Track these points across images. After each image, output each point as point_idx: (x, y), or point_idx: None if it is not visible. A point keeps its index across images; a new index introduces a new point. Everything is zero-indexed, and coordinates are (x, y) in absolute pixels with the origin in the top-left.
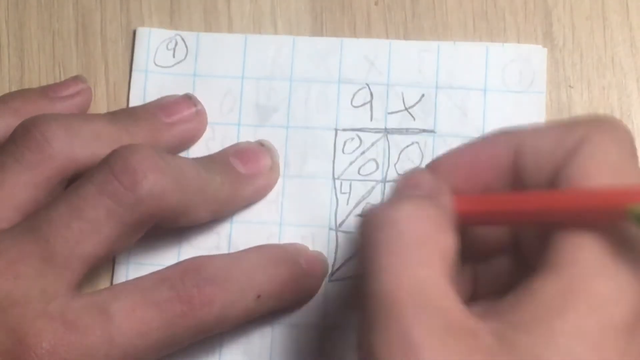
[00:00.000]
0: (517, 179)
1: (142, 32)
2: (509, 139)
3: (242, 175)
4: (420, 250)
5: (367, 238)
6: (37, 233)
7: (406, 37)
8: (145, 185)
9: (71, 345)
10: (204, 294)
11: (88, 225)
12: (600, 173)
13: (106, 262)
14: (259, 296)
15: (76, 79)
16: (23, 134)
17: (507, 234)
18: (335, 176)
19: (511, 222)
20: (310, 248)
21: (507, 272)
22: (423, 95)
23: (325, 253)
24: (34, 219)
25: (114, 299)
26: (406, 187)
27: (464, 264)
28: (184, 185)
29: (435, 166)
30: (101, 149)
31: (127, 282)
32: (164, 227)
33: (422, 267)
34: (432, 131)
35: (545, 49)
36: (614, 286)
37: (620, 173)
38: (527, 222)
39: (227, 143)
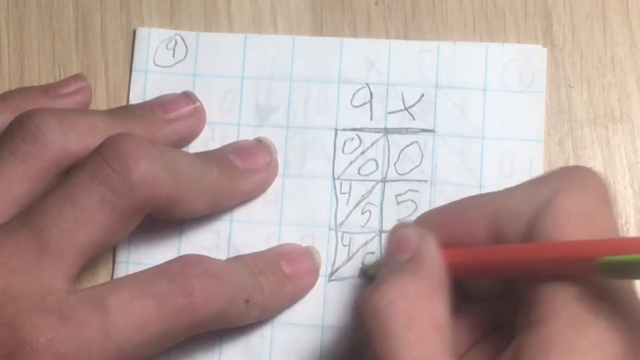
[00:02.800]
0: (497, 240)
1: (142, 32)
2: (485, 203)
3: (240, 169)
4: (409, 331)
5: (360, 329)
6: (32, 225)
7: (406, 37)
8: (137, 170)
9: (67, 339)
10: (205, 286)
11: (82, 213)
12: (573, 224)
13: (102, 253)
14: (247, 301)
15: (76, 77)
16: (18, 126)
17: None
18: (335, 176)
19: (491, 275)
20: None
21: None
22: (423, 95)
23: (324, 253)
24: (28, 212)
25: (111, 292)
26: (392, 251)
27: (482, 299)
28: (177, 174)
29: (420, 223)
30: (96, 142)
31: (125, 277)
32: (159, 217)
33: (415, 347)
34: (432, 131)
35: (545, 49)
36: (592, 337)
37: (592, 222)
38: (506, 275)
39: (227, 143)
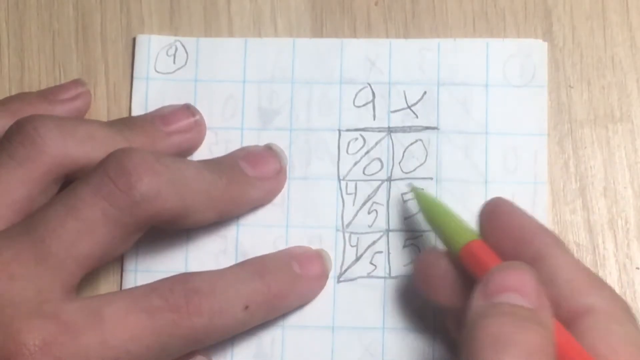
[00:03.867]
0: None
1: (142, 40)
2: (545, 242)
3: (250, 177)
4: None
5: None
6: (33, 233)
7: (406, 37)
8: (140, 187)
9: (64, 345)
10: (192, 304)
11: (84, 226)
12: (629, 351)
13: (103, 265)
14: (247, 307)
15: (76, 82)
16: (17, 130)
17: None
18: (341, 177)
19: None
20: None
21: None
22: (425, 93)
23: (333, 254)
24: (30, 220)
25: (107, 303)
26: (507, 287)
27: None
28: (183, 188)
29: (493, 221)
30: (95, 150)
31: (120, 291)
32: (167, 229)
33: None
34: (435, 128)
35: (546, 43)
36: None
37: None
38: None
39: (231, 148)
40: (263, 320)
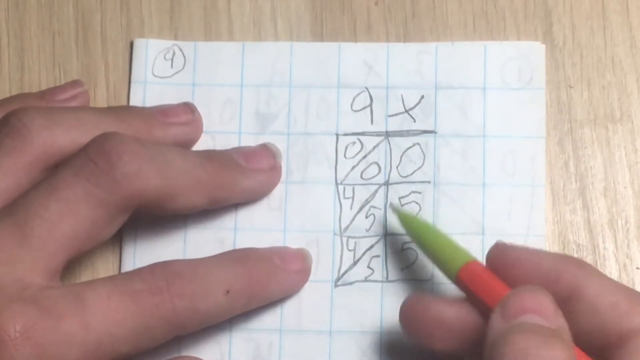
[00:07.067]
0: (568, 305)
1: (140, 43)
2: (574, 274)
3: (243, 167)
4: None
5: None
6: (15, 217)
7: (406, 37)
8: (120, 165)
9: (46, 330)
10: (173, 286)
11: (66, 205)
12: None
13: (88, 250)
14: (228, 291)
15: (74, 83)
16: (4, 124)
17: None
18: (338, 181)
19: None
20: (315, 254)
21: None
22: (423, 97)
23: (330, 258)
24: (12, 204)
25: (88, 288)
26: (527, 308)
27: None
28: (165, 167)
29: (504, 263)
30: (84, 137)
31: (101, 277)
32: (155, 213)
33: None
34: (433, 132)
35: (544, 45)
36: None
37: None
38: None
39: None
40: (245, 309)
